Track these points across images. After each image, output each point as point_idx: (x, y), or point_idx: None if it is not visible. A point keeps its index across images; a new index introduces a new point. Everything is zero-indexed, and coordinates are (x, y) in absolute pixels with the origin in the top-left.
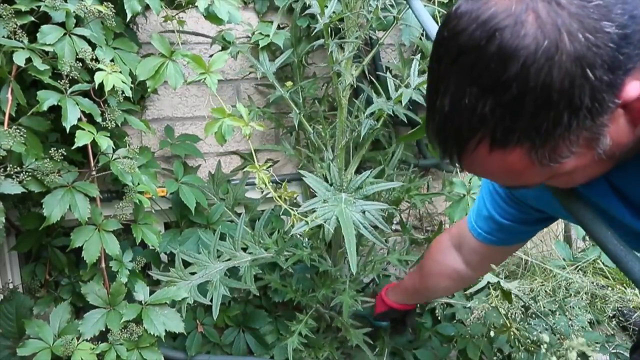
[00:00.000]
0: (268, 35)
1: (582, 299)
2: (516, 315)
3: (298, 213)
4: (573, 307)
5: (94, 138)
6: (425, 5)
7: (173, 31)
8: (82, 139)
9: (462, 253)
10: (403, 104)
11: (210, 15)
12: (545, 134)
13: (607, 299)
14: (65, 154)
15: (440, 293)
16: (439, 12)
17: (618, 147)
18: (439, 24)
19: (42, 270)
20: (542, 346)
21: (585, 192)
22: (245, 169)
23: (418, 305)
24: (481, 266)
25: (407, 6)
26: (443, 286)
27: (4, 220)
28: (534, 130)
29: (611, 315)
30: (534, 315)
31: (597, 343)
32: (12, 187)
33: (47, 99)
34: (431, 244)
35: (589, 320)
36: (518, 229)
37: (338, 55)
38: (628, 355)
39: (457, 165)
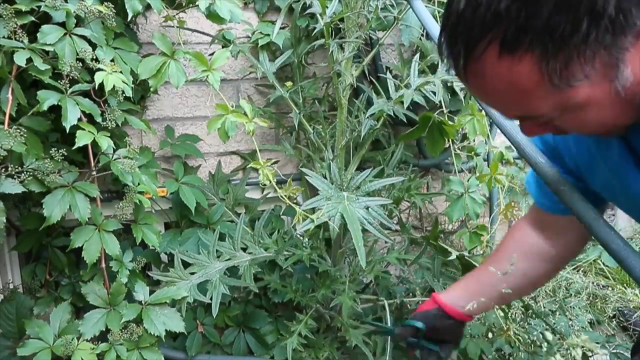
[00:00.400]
0: (268, 35)
1: (582, 299)
2: (516, 315)
3: (300, 212)
4: (573, 307)
5: (94, 138)
6: (425, 6)
7: (173, 26)
8: (82, 139)
9: (544, 232)
10: (405, 106)
11: (212, 15)
12: (559, 41)
13: (607, 299)
14: (65, 154)
15: (538, 279)
16: (438, 12)
17: None
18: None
19: (43, 271)
20: (543, 345)
21: (599, 154)
22: (248, 166)
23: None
24: (567, 242)
25: (408, 6)
26: (527, 269)
27: (4, 220)
28: (548, 33)
29: (611, 315)
30: (534, 315)
31: (597, 343)
32: (13, 187)
33: (47, 99)
34: (506, 234)
35: (589, 320)
36: (583, 188)
37: (338, 55)
38: (628, 356)
39: (462, 78)
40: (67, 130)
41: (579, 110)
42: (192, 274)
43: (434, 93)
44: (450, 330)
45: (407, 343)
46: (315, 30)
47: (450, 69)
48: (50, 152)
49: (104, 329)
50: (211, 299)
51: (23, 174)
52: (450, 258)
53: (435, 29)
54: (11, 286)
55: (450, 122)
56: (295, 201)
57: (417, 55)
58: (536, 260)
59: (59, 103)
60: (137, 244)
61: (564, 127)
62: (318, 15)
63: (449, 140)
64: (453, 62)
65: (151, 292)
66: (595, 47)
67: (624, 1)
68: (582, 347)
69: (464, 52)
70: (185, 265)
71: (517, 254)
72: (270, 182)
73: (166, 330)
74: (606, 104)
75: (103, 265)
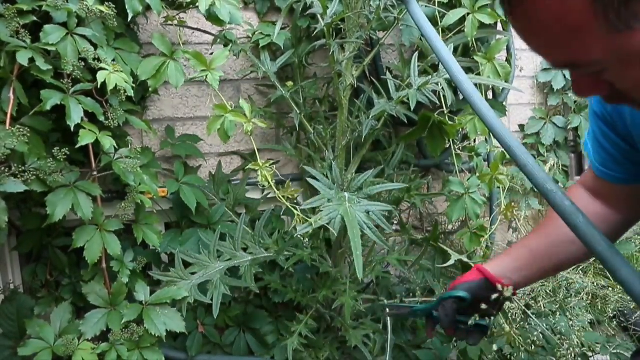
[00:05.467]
0: (269, 35)
1: (582, 299)
2: (516, 315)
3: (300, 211)
4: (574, 308)
5: (96, 138)
6: (425, 6)
7: (172, 25)
8: (85, 138)
9: (605, 201)
10: (412, 107)
11: (212, 16)
12: None
13: (607, 299)
14: (68, 154)
15: (573, 254)
16: (439, 12)
17: None
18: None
19: (43, 271)
20: (544, 346)
21: None
22: (247, 167)
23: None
24: (631, 209)
25: None
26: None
27: (6, 220)
28: None
29: (612, 315)
30: (534, 316)
31: (597, 343)
32: (16, 186)
33: (50, 98)
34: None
35: (589, 321)
36: (631, 158)
37: (339, 56)
38: (628, 356)
39: (509, 11)
40: (72, 129)
41: (638, 64)
42: (193, 274)
43: (435, 93)
44: (493, 301)
45: (446, 321)
46: (316, 31)
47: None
48: (53, 151)
49: (104, 329)
50: (212, 299)
51: (26, 174)
52: (449, 263)
53: (431, 32)
54: (12, 286)
55: (451, 122)
56: (295, 201)
57: (416, 54)
58: (599, 223)
59: (62, 102)
60: (138, 244)
61: (618, 84)
62: (319, 16)
63: (449, 141)
64: None
65: (152, 292)
66: None
67: None
68: (582, 347)
69: None
70: (186, 265)
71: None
72: (268, 183)
73: (167, 330)
74: None
75: (104, 265)
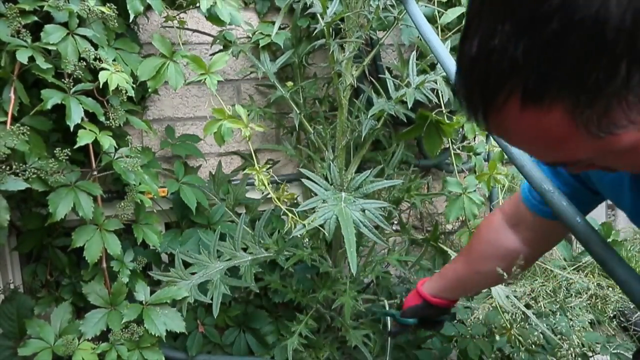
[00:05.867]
0: (269, 35)
1: (583, 299)
2: (517, 315)
3: (297, 213)
4: (574, 308)
5: (96, 137)
6: (425, 6)
7: (173, 27)
8: (84, 138)
9: (519, 232)
10: (409, 105)
11: (212, 17)
12: (593, 89)
13: (607, 299)
14: (70, 154)
15: (492, 280)
16: (438, 12)
17: None
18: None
19: (43, 271)
20: (544, 345)
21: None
22: (245, 170)
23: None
24: (541, 244)
25: None
26: (498, 270)
27: (8, 218)
28: (578, 81)
29: (612, 315)
30: (534, 316)
31: (597, 343)
32: (16, 183)
33: (51, 98)
34: (479, 226)
35: (589, 321)
36: (581, 200)
37: (339, 56)
38: (629, 356)
39: (485, 128)
40: (71, 129)
41: (628, 153)
42: (193, 274)
43: (434, 92)
44: (439, 313)
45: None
46: (316, 31)
47: (471, 118)
48: (55, 151)
49: (104, 329)
50: (212, 299)
51: (27, 172)
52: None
53: (430, 33)
54: (12, 286)
55: (448, 121)
56: (295, 201)
57: (414, 53)
58: (511, 261)
59: (63, 102)
60: (138, 244)
61: (610, 167)
62: (318, 16)
63: (449, 140)
64: (472, 113)
65: (152, 292)
66: None
67: None
68: (582, 347)
69: (482, 105)
70: (186, 265)
71: (494, 258)
72: (265, 187)
73: (167, 330)
74: None
75: (104, 265)
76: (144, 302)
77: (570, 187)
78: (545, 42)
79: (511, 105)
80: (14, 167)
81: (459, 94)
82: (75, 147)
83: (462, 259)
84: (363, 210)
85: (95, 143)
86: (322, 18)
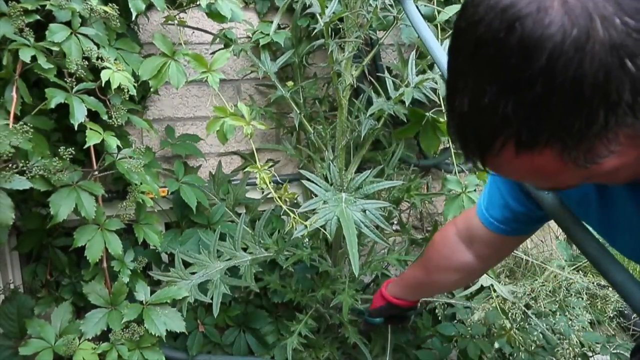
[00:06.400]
0: (269, 35)
1: (582, 299)
2: (517, 315)
3: (298, 214)
4: (573, 308)
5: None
6: (425, 6)
7: (174, 24)
8: (92, 139)
9: (473, 247)
10: (407, 104)
11: (213, 13)
12: (578, 134)
13: (607, 299)
14: (73, 153)
15: (448, 287)
16: (438, 12)
17: None
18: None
19: (43, 271)
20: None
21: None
22: (245, 169)
23: (419, 305)
24: (493, 258)
25: None
26: (453, 280)
27: (13, 216)
28: (564, 130)
29: (612, 315)
30: (534, 315)
31: (597, 343)
32: (22, 183)
33: (54, 97)
34: (434, 239)
35: (589, 321)
36: (535, 217)
37: (338, 55)
38: (628, 356)
39: (482, 169)
40: (76, 128)
41: (610, 174)
42: (193, 273)
43: (434, 91)
44: (404, 311)
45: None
46: (315, 30)
47: (469, 162)
48: (59, 151)
49: (105, 329)
50: (212, 299)
51: (34, 169)
52: None
53: (426, 31)
54: (12, 286)
55: (443, 120)
56: (295, 202)
57: (414, 52)
58: (464, 273)
59: (66, 101)
60: (139, 243)
61: (595, 182)
62: (317, 15)
63: (449, 140)
64: (470, 158)
65: (152, 292)
66: (617, 128)
67: (638, 84)
68: (582, 347)
69: (479, 152)
70: (186, 265)
71: (450, 270)
72: (267, 186)
73: (167, 330)
74: (637, 163)
75: (105, 264)
76: (144, 302)
77: (523, 206)
78: (532, 103)
79: (507, 152)
80: (19, 165)
81: (454, 142)
82: (85, 147)
83: (420, 267)
84: (364, 211)
85: (98, 143)
86: (321, 18)
